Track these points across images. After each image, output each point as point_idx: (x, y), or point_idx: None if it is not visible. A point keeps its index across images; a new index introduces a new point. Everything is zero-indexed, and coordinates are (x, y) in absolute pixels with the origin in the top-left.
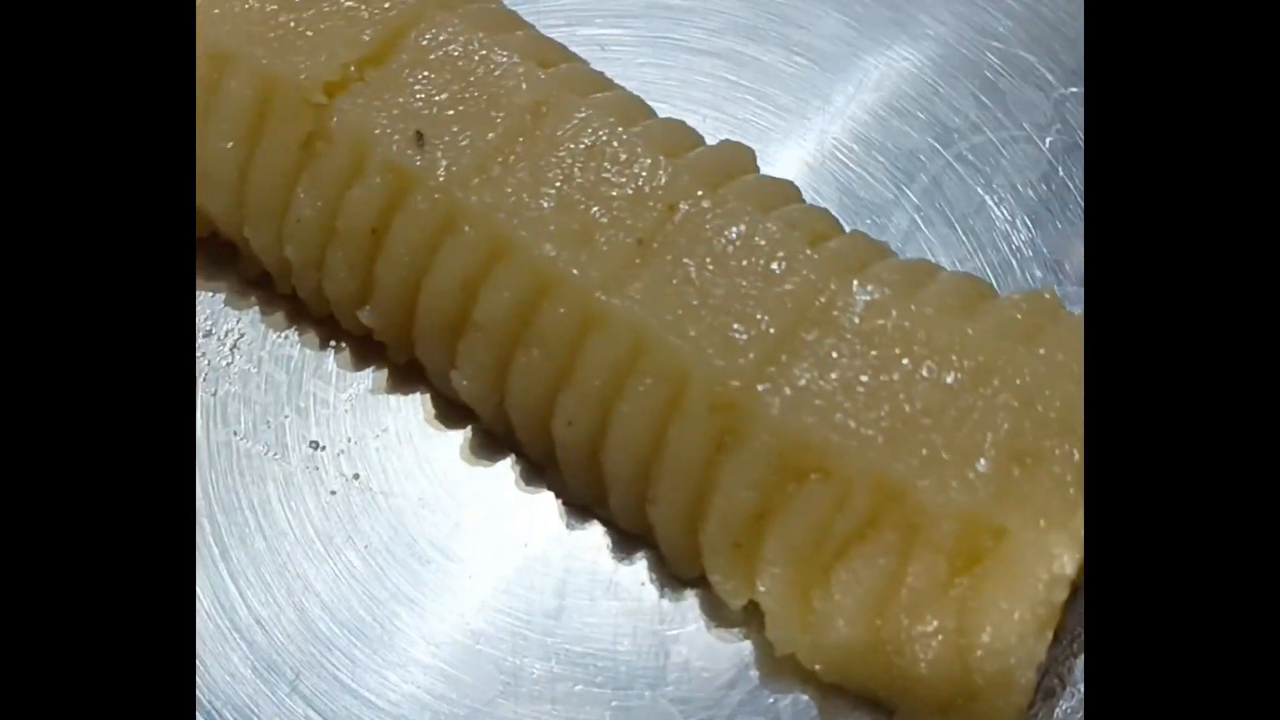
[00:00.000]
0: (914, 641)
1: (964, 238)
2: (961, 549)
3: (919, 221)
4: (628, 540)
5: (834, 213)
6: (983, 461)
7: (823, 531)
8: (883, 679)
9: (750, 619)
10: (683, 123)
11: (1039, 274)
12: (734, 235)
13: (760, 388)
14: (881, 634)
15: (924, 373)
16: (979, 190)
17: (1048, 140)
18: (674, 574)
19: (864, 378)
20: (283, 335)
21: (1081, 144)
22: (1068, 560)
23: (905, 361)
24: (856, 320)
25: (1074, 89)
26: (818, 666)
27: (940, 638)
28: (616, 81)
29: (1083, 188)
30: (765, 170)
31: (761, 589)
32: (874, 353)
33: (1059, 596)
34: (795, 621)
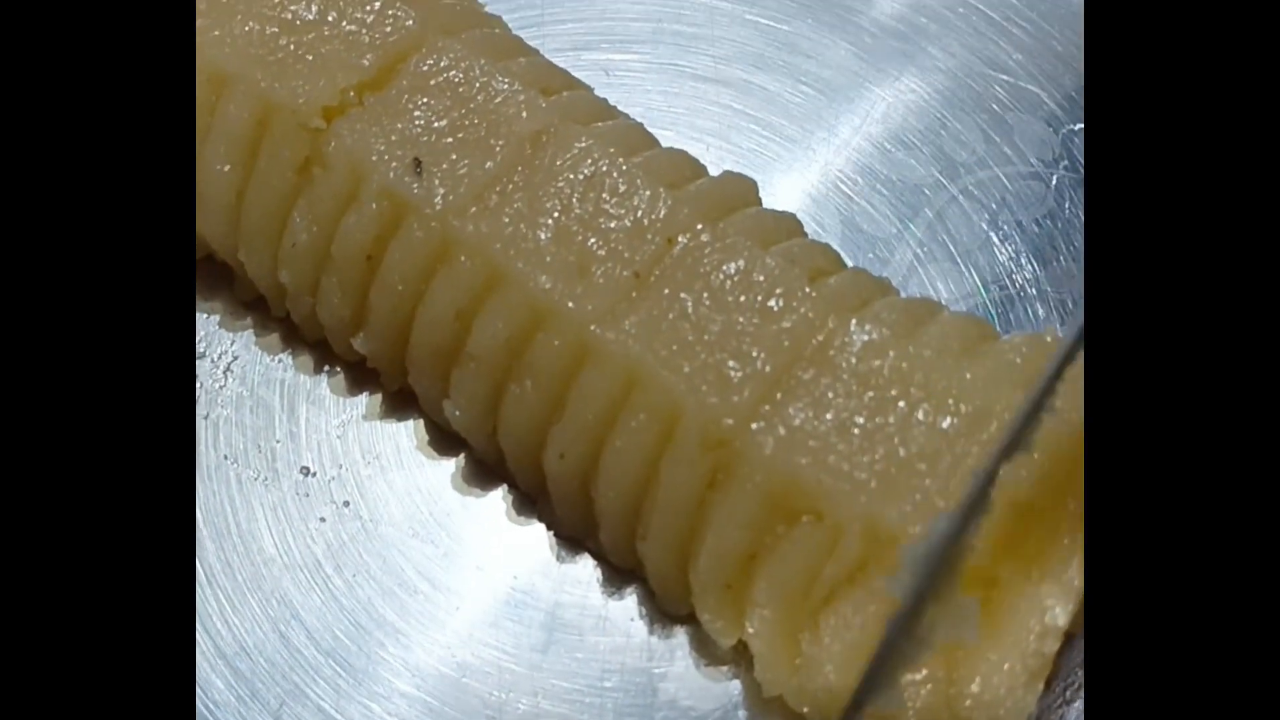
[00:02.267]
0: (902, 689)
1: (967, 273)
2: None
3: (922, 256)
4: (618, 575)
5: (836, 246)
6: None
7: (813, 575)
8: None
9: (740, 658)
10: (685, 153)
11: (1041, 312)
12: (732, 270)
13: (754, 426)
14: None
15: (920, 416)
16: (983, 226)
17: (1054, 177)
18: (663, 611)
19: (859, 419)
20: (277, 359)
21: None
22: (1060, 611)
23: (901, 404)
24: (854, 360)
25: (1081, 125)
26: (805, 709)
27: (929, 687)
28: (620, 108)
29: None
30: (768, 201)
31: (750, 630)
32: (870, 394)
33: (1050, 648)
34: (783, 664)
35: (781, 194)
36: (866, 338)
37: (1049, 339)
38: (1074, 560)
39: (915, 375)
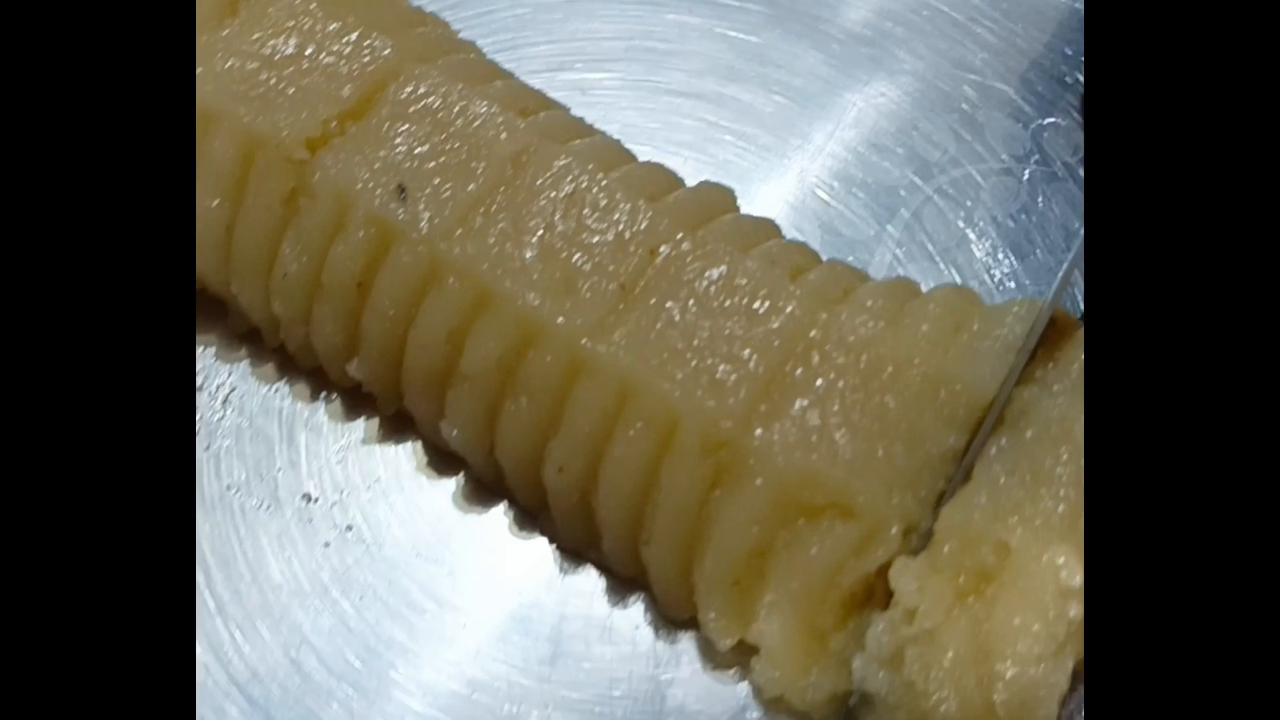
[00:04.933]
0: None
1: (946, 271)
2: (967, 567)
3: (901, 257)
4: (621, 584)
5: (817, 250)
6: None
7: (836, 571)
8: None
9: (746, 661)
10: (662, 166)
11: None
12: (715, 276)
13: (755, 426)
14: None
15: (922, 400)
16: (959, 224)
17: (1026, 172)
18: (666, 616)
19: (865, 411)
20: (273, 388)
21: (1059, 174)
22: (1074, 568)
23: (903, 389)
24: (848, 351)
25: (1051, 119)
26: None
27: (960, 672)
28: (597, 126)
29: (1062, 218)
30: (747, 210)
31: (761, 627)
32: (873, 383)
33: (1074, 611)
34: (796, 659)
35: (760, 203)
36: (858, 326)
37: (1031, 304)
38: (1080, 518)
39: (913, 359)
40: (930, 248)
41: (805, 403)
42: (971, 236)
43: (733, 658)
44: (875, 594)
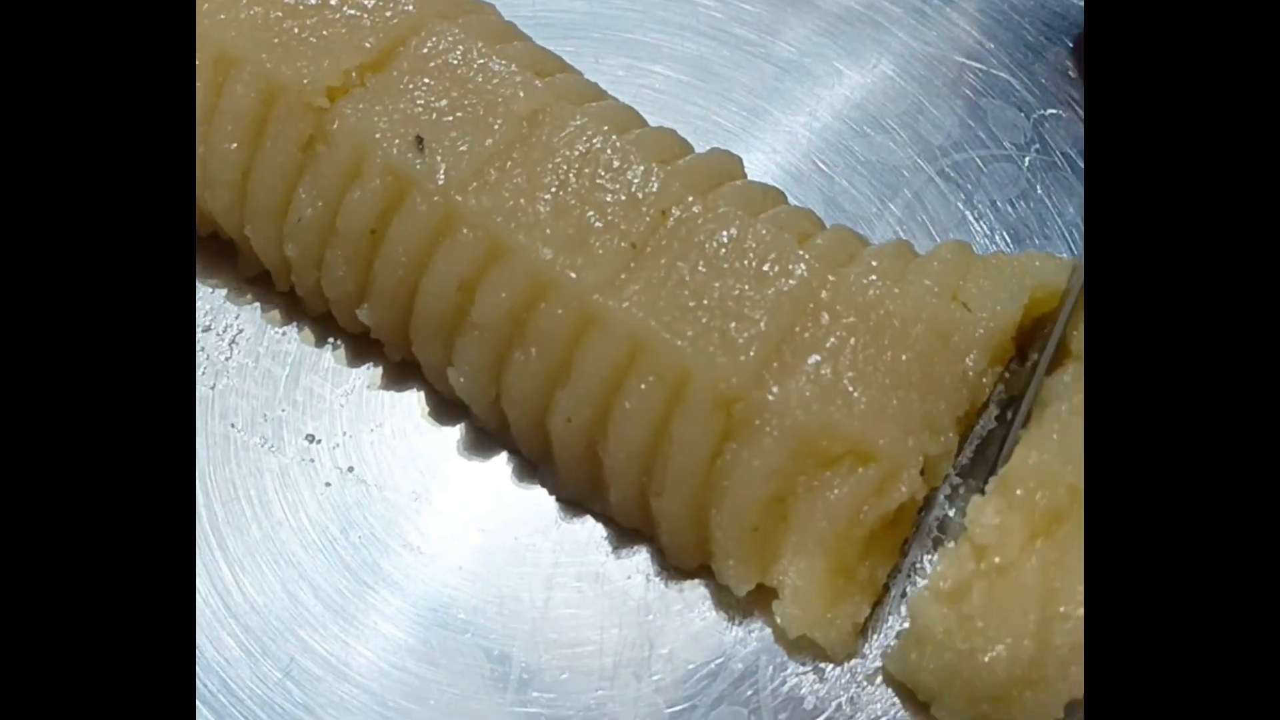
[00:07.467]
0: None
1: None
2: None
3: (901, 235)
4: (616, 536)
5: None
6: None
7: (857, 513)
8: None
9: (734, 612)
10: (673, 131)
11: None
12: (726, 238)
13: (770, 382)
14: None
15: (931, 349)
16: (960, 206)
17: (1026, 159)
18: (674, 565)
19: (880, 365)
20: (280, 332)
21: (1058, 164)
22: None
23: (914, 341)
24: (858, 309)
25: (1052, 110)
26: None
27: (1022, 606)
28: (609, 93)
29: (1059, 206)
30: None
31: (785, 570)
32: (885, 338)
33: None
34: (820, 600)
35: (765, 175)
36: (865, 286)
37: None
38: None
39: (920, 313)
40: (930, 228)
41: (818, 359)
42: (971, 219)
43: (723, 610)
44: (894, 533)
